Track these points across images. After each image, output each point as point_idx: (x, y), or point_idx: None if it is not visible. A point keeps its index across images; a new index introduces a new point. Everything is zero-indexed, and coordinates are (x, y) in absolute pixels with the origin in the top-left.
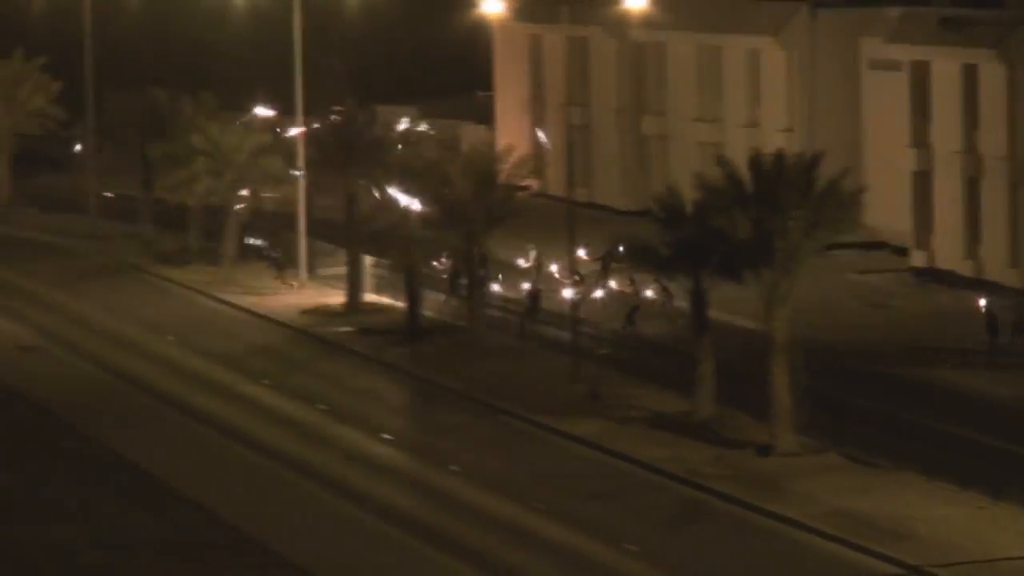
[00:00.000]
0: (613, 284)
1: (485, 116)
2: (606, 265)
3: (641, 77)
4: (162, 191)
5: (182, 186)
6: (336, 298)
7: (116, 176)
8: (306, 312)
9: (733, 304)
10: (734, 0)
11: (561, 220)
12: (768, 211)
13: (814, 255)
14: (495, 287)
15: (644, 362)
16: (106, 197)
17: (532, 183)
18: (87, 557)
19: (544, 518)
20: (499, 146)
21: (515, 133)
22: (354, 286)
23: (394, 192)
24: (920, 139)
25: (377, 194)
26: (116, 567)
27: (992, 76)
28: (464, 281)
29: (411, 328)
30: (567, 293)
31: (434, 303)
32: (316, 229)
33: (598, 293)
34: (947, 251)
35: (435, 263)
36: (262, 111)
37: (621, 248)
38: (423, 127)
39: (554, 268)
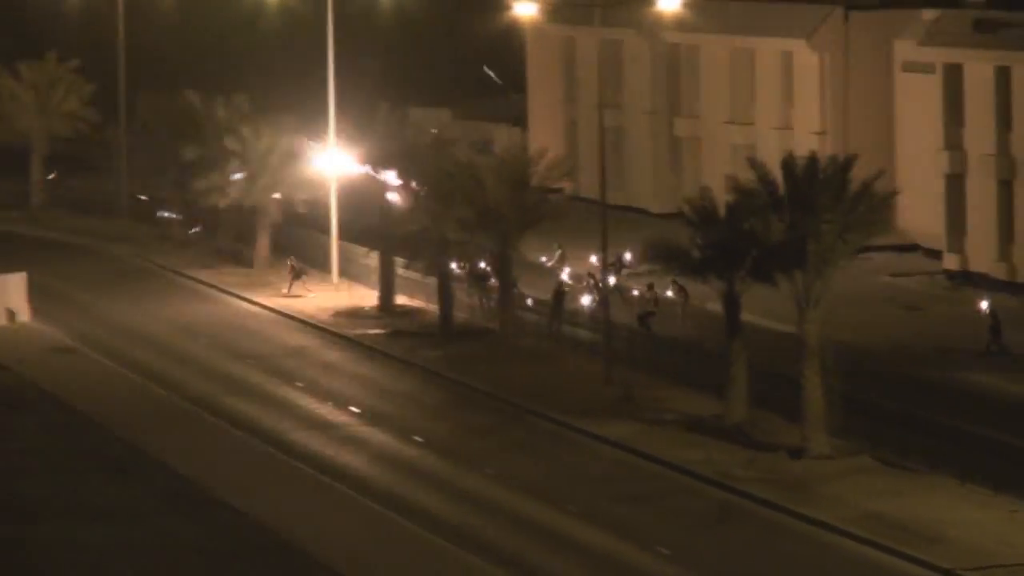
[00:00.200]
0: (620, 289)
1: (519, 118)
2: (617, 271)
3: (674, 79)
4: (195, 194)
5: (215, 189)
6: (368, 300)
7: (149, 178)
8: (338, 314)
9: (763, 306)
10: (767, 2)
11: (593, 222)
12: (801, 214)
13: (847, 258)
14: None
15: (674, 364)
16: (139, 200)
17: (565, 185)
18: (124, 560)
19: (577, 520)
20: (532, 148)
21: (548, 135)
22: (387, 288)
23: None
24: (953, 142)
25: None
26: (153, 570)
27: None
28: (493, 282)
29: (443, 330)
30: (585, 299)
31: (465, 305)
32: (347, 232)
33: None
34: (980, 254)
35: (455, 266)
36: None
37: (628, 256)
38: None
39: (566, 272)
